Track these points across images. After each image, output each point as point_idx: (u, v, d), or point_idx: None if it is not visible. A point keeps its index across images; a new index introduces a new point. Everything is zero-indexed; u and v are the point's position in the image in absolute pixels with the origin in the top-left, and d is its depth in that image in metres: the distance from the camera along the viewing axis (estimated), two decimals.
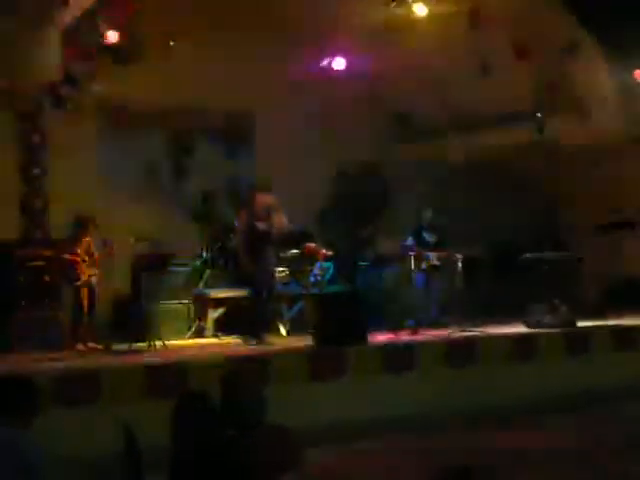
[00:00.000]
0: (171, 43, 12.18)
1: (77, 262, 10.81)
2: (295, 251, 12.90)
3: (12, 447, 3.88)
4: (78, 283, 10.82)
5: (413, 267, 12.66)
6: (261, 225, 11.01)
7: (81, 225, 11.03)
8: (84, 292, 10.87)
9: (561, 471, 7.53)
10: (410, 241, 12.96)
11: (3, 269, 11.72)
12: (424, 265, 12.73)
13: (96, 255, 11.00)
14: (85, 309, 10.85)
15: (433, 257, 12.91)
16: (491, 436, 9.03)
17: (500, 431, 9.27)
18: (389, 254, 13.67)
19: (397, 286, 13.00)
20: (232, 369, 4.41)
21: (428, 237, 13.15)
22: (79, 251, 10.88)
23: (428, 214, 13.38)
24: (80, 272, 10.83)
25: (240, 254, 11.25)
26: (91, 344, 10.74)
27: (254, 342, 10.89)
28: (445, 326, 12.47)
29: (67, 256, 10.88)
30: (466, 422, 9.49)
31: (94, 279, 10.98)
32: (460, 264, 12.49)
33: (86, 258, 10.90)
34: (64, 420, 7.90)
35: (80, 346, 10.62)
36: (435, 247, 13.06)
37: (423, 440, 8.85)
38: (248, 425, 4.05)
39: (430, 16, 12.96)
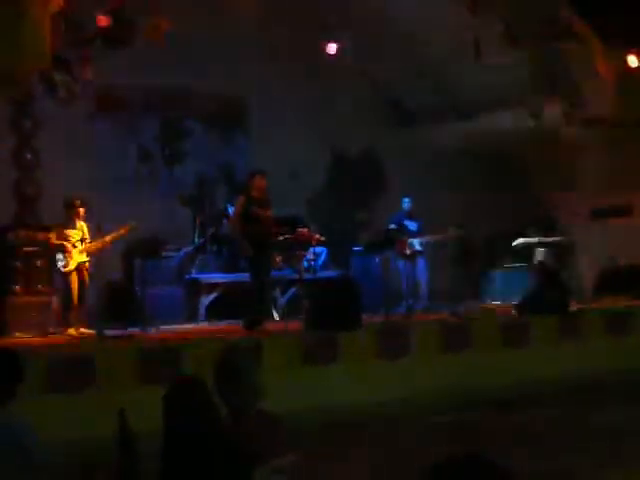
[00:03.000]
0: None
1: (66, 248, 10.73)
2: (288, 236, 12.87)
3: (5, 430, 3.88)
4: (66, 269, 10.72)
5: (397, 254, 12.74)
6: (259, 210, 10.95)
7: (69, 207, 10.89)
8: (73, 278, 10.75)
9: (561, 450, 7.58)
10: (393, 227, 12.99)
11: None
12: (408, 251, 12.76)
13: (89, 243, 10.88)
14: (75, 295, 10.77)
15: (416, 243, 12.95)
16: (488, 420, 9.06)
17: (497, 414, 9.31)
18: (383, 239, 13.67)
19: (388, 271, 13.01)
20: (226, 353, 4.38)
21: (410, 225, 13.16)
22: (70, 236, 10.80)
23: (407, 204, 13.39)
24: (69, 258, 10.76)
25: (237, 240, 11.17)
26: (84, 329, 10.68)
27: (249, 327, 10.86)
28: (437, 310, 12.53)
29: (55, 241, 10.80)
30: (461, 406, 9.52)
31: (85, 266, 10.84)
32: (452, 248, 12.51)
33: (77, 244, 10.80)
34: (58, 405, 7.91)
35: (71, 331, 10.57)
36: (417, 234, 13.09)
37: (419, 424, 8.87)
38: (242, 410, 4.04)
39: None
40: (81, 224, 10.93)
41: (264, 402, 4.14)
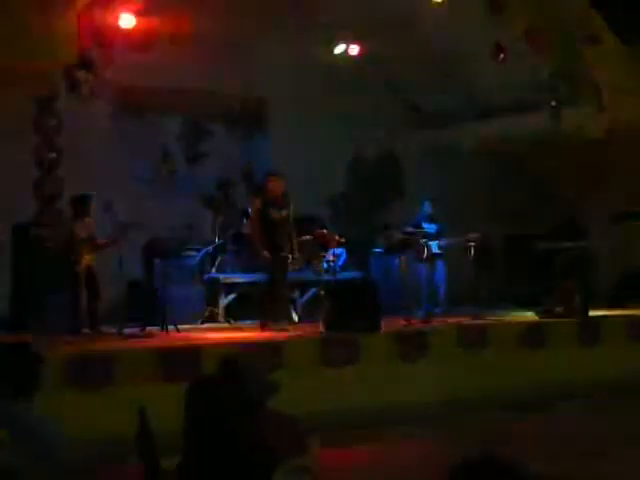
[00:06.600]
0: None
1: (76, 246, 10.51)
2: (308, 237, 12.88)
3: (26, 424, 3.91)
4: (78, 270, 10.46)
5: (416, 256, 12.72)
6: (275, 212, 10.98)
7: (78, 204, 10.74)
8: (82, 277, 10.49)
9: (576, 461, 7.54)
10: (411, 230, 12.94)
11: (19, 251, 11.73)
12: (425, 254, 12.71)
13: (98, 240, 10.70)
14: (87, 295, 10.54)
15: (434, 246, 12.89)
16: (506, 422, 9.05)
17: (515, 418, 9.30)
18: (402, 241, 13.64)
19: (408, 274, 12.97)
20: (232, 352, 4.41)
21: (429, 228, 13.12)
22: (79, 234, 10.55)
23: (427, 207, 13.33)
24: (80, 256, 10.51)
25: (253, 240, 11.20)
26: (103, 328, 10.63)
27: (268, 327, 10.89)
28: (456, 314, 12.51)
29: (67, 239, 10.59)
30: (479, 409, 9.51)
31: (93, 264, 10.64)
32: (472, 251, 12.47)
33: (86, 243, 10.55)
34: (77, 402, 7.95)
35: (86, 330, 10.51)
36: (436, 237, 13.03)
37: (437, 427, 8.86)
38: (250, 408, 4.04)
39: (447, 1, 12.87)
40: (89, 221, 10.76)
41: (283, 403, 4.15)
